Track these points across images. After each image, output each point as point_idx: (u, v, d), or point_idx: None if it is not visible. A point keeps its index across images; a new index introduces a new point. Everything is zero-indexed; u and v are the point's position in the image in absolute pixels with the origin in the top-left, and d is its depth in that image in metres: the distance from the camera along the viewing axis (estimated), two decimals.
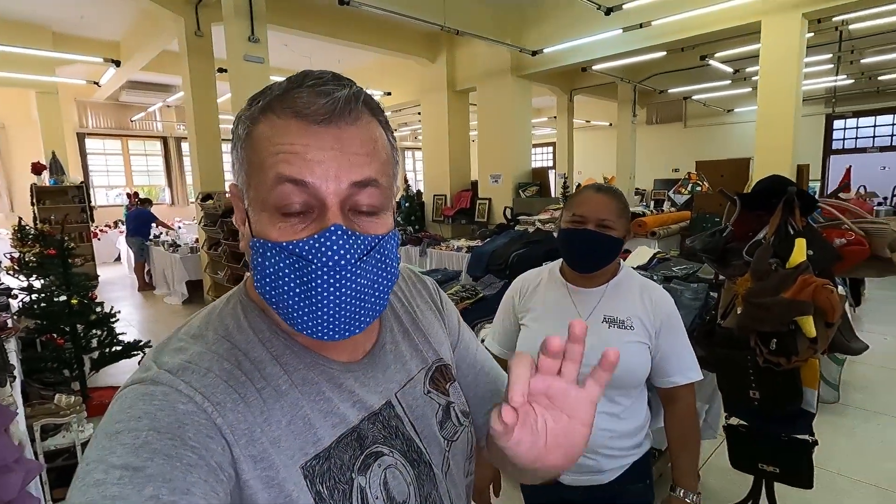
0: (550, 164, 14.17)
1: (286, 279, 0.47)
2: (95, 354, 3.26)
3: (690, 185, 5.58)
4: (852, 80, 8.72)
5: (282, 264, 0.47)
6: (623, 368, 1.14)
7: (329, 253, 0.45)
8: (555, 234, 4.52)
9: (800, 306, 1.43)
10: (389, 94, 9.11)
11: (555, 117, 10.26)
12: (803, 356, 1.48)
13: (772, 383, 1.58)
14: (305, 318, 0.48)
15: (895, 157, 9.68)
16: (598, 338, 1.16)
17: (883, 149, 9.89)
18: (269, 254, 0.47)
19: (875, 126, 9.95)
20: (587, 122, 12.52)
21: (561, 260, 1.28)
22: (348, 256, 0.46)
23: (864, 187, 7.68)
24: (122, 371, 3.87)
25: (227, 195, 5.75)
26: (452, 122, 7.88)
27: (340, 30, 6.54)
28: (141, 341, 3.37)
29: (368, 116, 0.50)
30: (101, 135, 10.74)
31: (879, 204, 7.70)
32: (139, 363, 0.51)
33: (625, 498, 1.22)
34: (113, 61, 6.64)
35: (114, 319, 3.36)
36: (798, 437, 1.67)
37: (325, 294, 0.47)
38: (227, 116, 6.47)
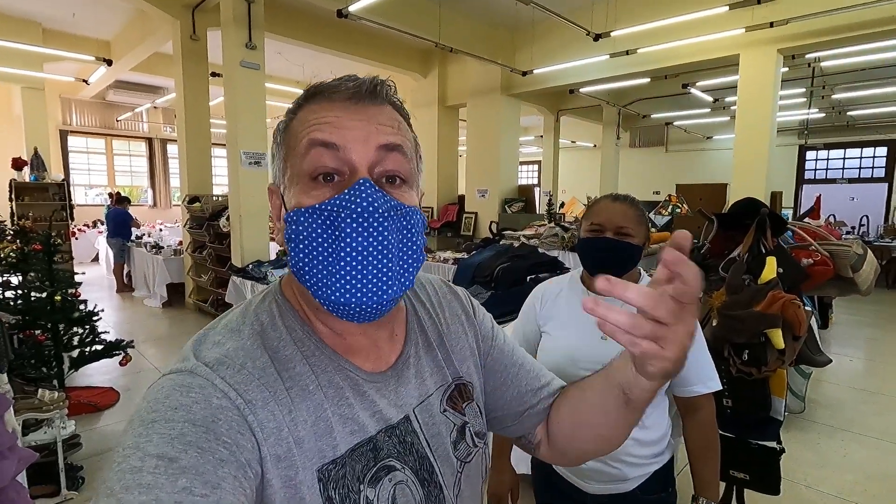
0: (536, 181, 14.41)
1: (318, 241, 0.49)
2: (75, 353, 3.21)
3: (671, 207, 5.77)
4: (823, 114, 9.16)
5: (314, 225, 0.49)
6: None
7: (358, 200, 0.48)
8: (539, 249, 4.63)
9: (769, 319, 1.53)
10: None
11: (541, 136, 10.49)
12: (772, 366, 1.58)
13: (743, 392, 1.68)
14: (334, 279, 0.48)
15: (864, 188, 10.14)
16: (621, 347, 1.17)
17: (852, 180, 10.35)
18: (301, 219, 0.49)
19: (844, 158, 10.42)
20: (572, 142, 12.81)
21: (581, 269, 1.29)
22: (376, 206, 0.48)
23: (834, 216, 8.02)
24: (100, 371, 3.82)
25: (214, 198, 5.74)
26: (442, 136, 8.02)
27: (336, 41, 6.65)
28: (123, 341, 3.33)
29: (391, 108, 0.55)
30: (85, 133, 10.59)
31: (848, 233, 8.04)
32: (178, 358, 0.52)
33: None
34: (105, 60, 6.61)
35: (96, 318, 3.33)
36: (767, 445, 1.76)
37: (355, 245, 0.48)
38: (218, 121, 6.47)
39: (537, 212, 7.67)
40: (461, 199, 8.17)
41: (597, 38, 5.09)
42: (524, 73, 6.52)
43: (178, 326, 5.44)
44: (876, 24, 4.43)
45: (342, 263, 0.48)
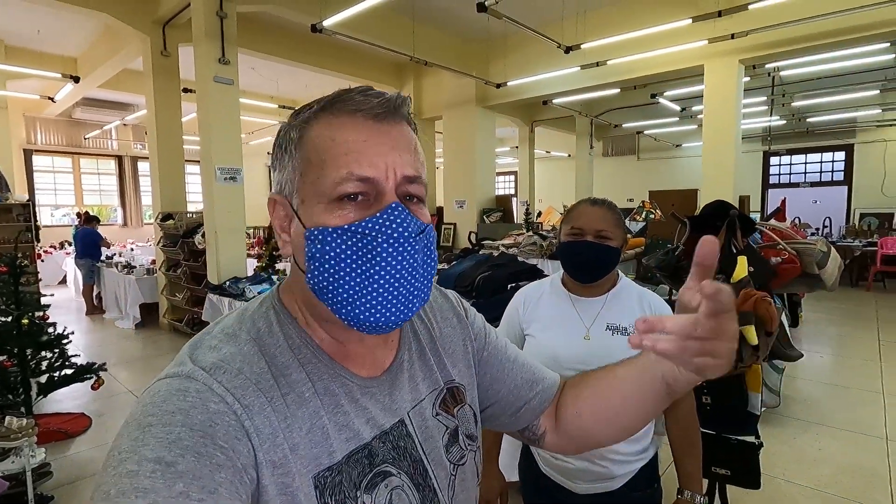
0: (513, 191, 14.58)
1: (348, 262, 0.49)
2: (44, 378, 3.09)
3: (645, 213, 5.91)
4: (784, 121, 9.56)
5: (343, 247, 0.49)
6: None
7: (393, 226, 0.49)
8: (519, 258, 4.68)
9: (743, 316, 1.58)
10: None
11: (517, 147, 10.66)
12: (748, 362, 1.63)
13: (721, 388, 1.72)
14: (365, 300, 0.49)
15: (825, 191, 10.57)
16: (603, 345, 1.20)
17: (814, 184, 10.78)
18: (329, 239, 0.49)
19: (806, 163, 10.86)
20: (547, 152, 13.03)
21: (562, 272, 1.32)
22: (409, 230, 0.50)
23: (799, 219, 8.35)
24: (70, 397, 3.67)
25: (188, 215, 5.63)
26: None
27: (310, 56, 6.66)
28: (94, 364, 3.21)
29: (407, 125, 0.55)
30: (51, 152, 10.29)
31: (812, 234, 8.36)
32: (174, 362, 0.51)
33: (634, 503, 1.24)
34: (72, 77, 6.46)
35: (66, 341, 3.21)
36: (746, 440, 1.81)
37: (389, 269, 0.49)
38: (191, 137, 6.38)
39: (515, 221, 7.76)
40: (440, 210, 8.21)
41: (567, 50, 5.22)
42: (498, 86, 6.63)
43: (152, 347, 5.29)
44: (830, 35, 4.67)
45: (375, 285, 0.49)
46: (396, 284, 0.50)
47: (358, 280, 0.49)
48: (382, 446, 0.56)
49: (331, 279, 0.50)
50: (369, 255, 0.49)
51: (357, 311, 0.50)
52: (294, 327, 0.55)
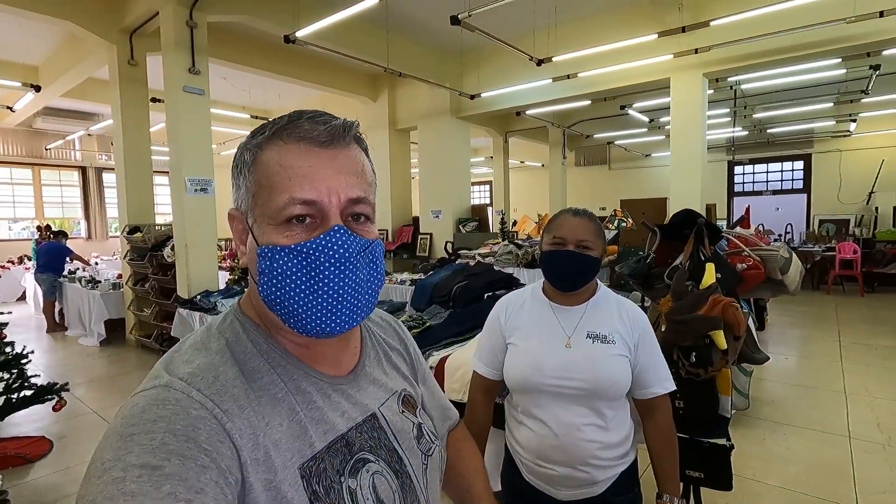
0: (488, 201, 14.71)
1: (293, 277, 0.53)
2: (0, 401, 2.94)
3: (616, 221, 6.04)
4: (747, 132, 9.95)
5: (290, 264, 0.53)
6: (609, 381, 1.20)
7: (335, 247, 0.53)
8: (495, 268, 4.71)
9: (712, 322, 1.63)
10: None
11: (492, 157, 10.77)
12: (717, 367, 1.68)
13: (693, 393, 1.77)
14: (310, 312, 0.53)
15: (786, 199, 11.02)
16: (584, 352, 1.22)
17: (775, 192, 11.23)
18: (277, 257, 0.53)
19: (768, 172, 11.32)
20: (521, 162, 13.22)
21: (543, 280, 1.34)
22: (350, 250, 0.54)
23: (762, 225, 8.66)
24: (30, 419, 3.50)
25: (157, 227, 5.48)
26: (394, 159, 8.07)
27: (283, 66, 6.61)
28: (56, 384, 3.07)
29: (356, 145, 0.59)
30: (9, 163, 9.89)
31: (775, 240, 8.67)
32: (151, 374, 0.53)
33: None
34: (33, 86, 6.24)
35: (26, 361, 3.06)
36: (717, 442, 1.85)
37: (332, 285, 0.53)
38: (160, 147, 6.22)
39: (491, 230, 7.82)
40: (415, 220, 8.21)
41: (539, 62, 5.33)
42: (472, 97, 6.71)
43: (118, 365, 5.09)
44: (788, 51, 4.91)
45: (319, 298, 0.53)
46: (339, 297, 0.54)
47: (304, 294, 0.53)
48: (359, 436, 0.59)
49: (279, 292, 0.54)
50: (314, 273, 0.53)
51: (304, 320, 0.54)
52: (260, 334, 0.58)
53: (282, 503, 0.50)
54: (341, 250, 0.54)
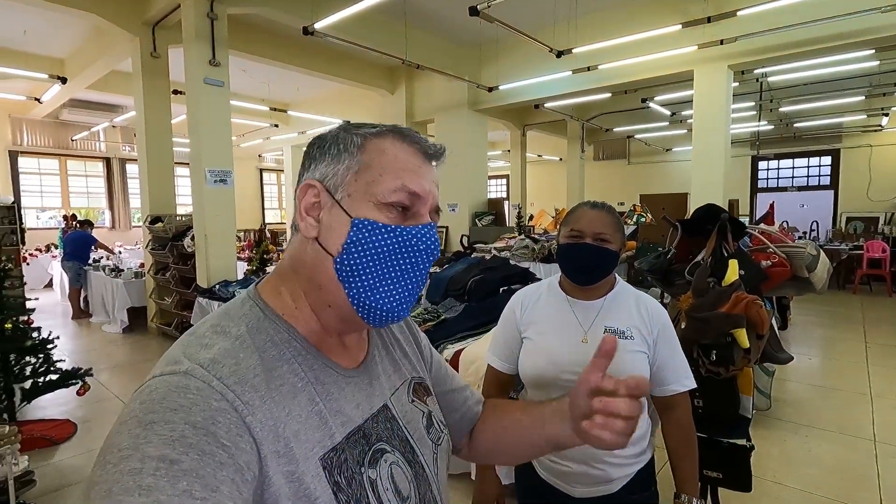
0: (505, 195, 14.63)
1: (386, 255, 0.57)
2: (28, 384, 3.03)
3: (636, 217, 5.94)
4: (772, 126, 9.68)
5: (387, 242, 0.56)
6: (625, 377, 1.19)
7: (430, 239, 0.59)
8: (511, 262, 4.68)
9: (734, 319, 1.59)
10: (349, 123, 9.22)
11: (509, 151, 10.69)
12: (739, 366, 1.64)
13: (713, 392, 1.73)
14: (387, 292, 0.57)
15: (812, 195, 10.71)
16: None
17: (801, 188, 10.93)
18: (376, 231, 0.56)
19: (794, 168, 11.01)
20: (539, 156, 13.09)
21: (560, 274, 1.31)
22: (436, 246, 0.60)
23: (787, 222, 8.44)
24: (55, 403, 3.61)
25: (178, 218, 5.56)
26: None
27: (302, 58, 6.63)
28: (80, 369, 3.16)
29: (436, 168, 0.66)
30: (38, 153, 10.15)
31: (800, 238, 8.46)
32: (165, 360, 0.52)
33: None
34: (59, 78, 6.38)
35: (51, 346, 3.15)
36: (737, 442, 1.81)
37: (416, 272, 0.58)
38: (181, 139, 6.31)
39: (507, 224, 7.77)
40: None
41: (559, 54, 5.25)
42: (490, 89, 6.65)
43: (139, 352, 5.21)
44: (816, 42, 4.74)
45: (399, 282, 0.57)
46: (411, 286, 0.58)
47: (387, 273, 0.56)
48: (374, 427, 0.60)
49: (364, 265, 0.56)
50: (408, 256, 0.57)
51: (374, 300, 0.56)
52: (280, 322, 0.58)
53: (305, 494, 0.49)
54: (433, 243, 0.59)
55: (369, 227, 0.56)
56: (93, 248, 7.17)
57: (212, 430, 0.44)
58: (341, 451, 0.54)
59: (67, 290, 7.18)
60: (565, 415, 0.68)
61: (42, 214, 10.72)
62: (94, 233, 7.70)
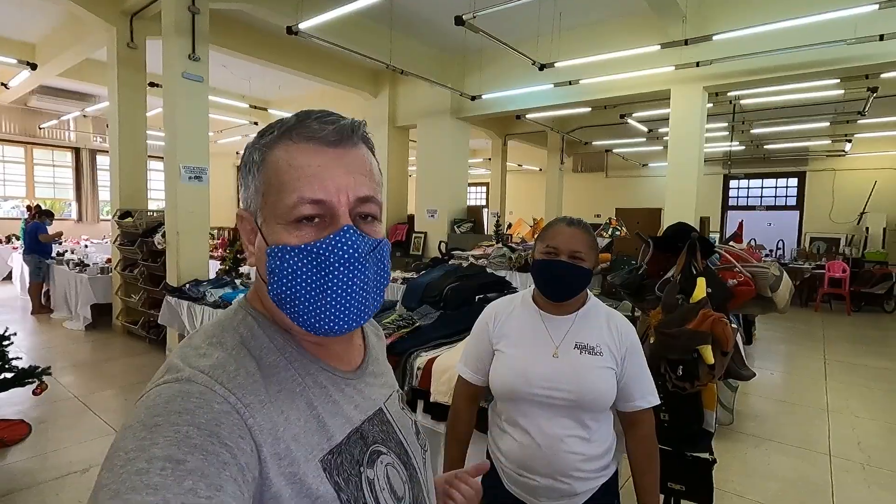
0: (484, 202, 14.71)
1: (303, 277, 0.53)
2: None
3: (611, 230, 6.05)
4: (744, 147, 10.02)
5: (300, 264, 0.53)
6: (594, 393, 1.20)
7: (345, 247, 0.54)
8: (487, 269, 4.70)
9: (701, 336, 1.63)
10: None
11: (489, 159, 10.77)
12: (703, 381, 1.68)
13: (679, 406, 1.77)
14: (319, 311, 0.54)
15: (779, 215, 11.12)
16: (571, 363, 1.21)
17: (769, 207, 11.34)
18: (286, 256, 0.54)
19: (762, 187, 11.41)
20: (519, 165, 13.23)
21: (533, 288, 1.33)
22: (360, 250, 0.55)
23: (755, 240, 8.73)
24: (9, 402, 3.45)
25: (149, 213, 5.42)
26: (392, 156, 8.04)
27: (285, 57, 6.56)
28: (38, 367, 3.03)
29: (363, 145, 0.60)
30: (2, 140, 9.75)
31: (767, 255, 8.76)
32: (165, 365, 0.53)
33: None
34: (28, 64, 6.15)
35: (7, 342, 3.02)
36: (700, 456, 1.86)
37: (341, 285, 0.54)
38: (155, 133, 6.16)
39: (486, 232, 7.81)
40: (410, 218, 8.19)
41: (542, 67, 5.33)
42: (473, 98, 6.70)
43: (102, 351, 5.03)
44: (786, 69, 4.94)
45: (329, 298, 0.54)
46: (347, 297, 0.55)
47: (313, 294, 0.54)
48: (371, 429, 0.61)
49: (289, 292, 0.54)
50: (323, 273, 0.53)
51: (312, 319, 0.54)
52: (275, 329, 0.59)
53: (307, 494, 0.50)
54: (350, 250, 0.54)
55: (280, 254, 0.54)
56: (38, 237, 6.61)
57: (215, 431, 0.45)
58: (339, 453, 0.55)
59: (28, 284, 6.89)
60: (441, 487, 0.79)
61: (4, 204, 10.30)
62: (61, 225, 7.39)
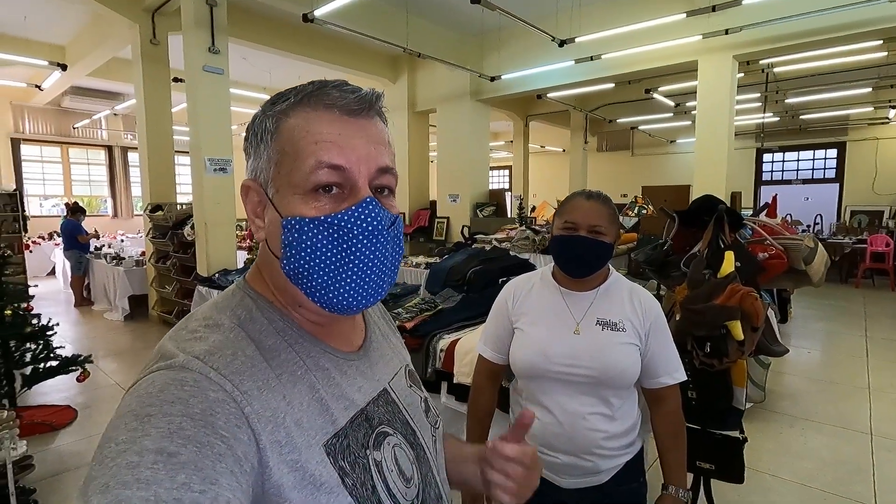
0: (507, 186, 14.57)
1: (323, 251, 0.51)
2: (28, 370, 3.05)
3: (637, 209, 5.91)
4: (778, 118, 9.59)
5: (319, 237, 0.51)
6: (616, 369, 1.17)
7: (368, 219, 0.52)
8: (511, 252, 4.67)
9: (729, 311, 1.58)
10: None
11: (511, 141, 10.63)
12: (733, 357, 1.63)
13: (706, 384, 1.73)
14: (338, 287, 0.52)
15: (817, 189, 10.63)
16: (593, 339, 1.19)
17: (805, 181, 10.84)
18: (305, 229, 0.51)
19: (798, 160, 10.91)
20: (542, 147, 13.02)
21: (552, 264, 1.30)
22: (382, 223, 0.53)
23: (790, 215, 8.39)
24: (56, 389, 3.64)
25: (178, 206, 5.57)
26: (412, 142, 8.02)
27: (303, 46, 6.58)
28: (80, 356, 3.18)
29: (380, 120, 0.58)
30: (40, 141, 10.15)
31: (804, 231, 8.40)
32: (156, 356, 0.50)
33: (620, 497, 1.23)
34: (59, 65, 6.35)
35: (51, 332, 3.17)
36: (730, 434, 1.82)
37: (363, 258, 0.52)
38: (181, 127, 6.29)
39: (508, 216, 7.74)
40: (433, 204, 8.18)
41: (562, 43, 5.19)
42: (492, 79, 6.59)
43: (140, 340, 5.25)
44: (823, 32, 4.67)
45: (349, 272, 0.52)
46: (367, 272, 0.53)
47: (332, 268, 0.52)
48: (376, 410, 0.60)
49: (306, 266, 0.52)
50: (344, 246, 0.51)
51: (330, 295, 0.52)
52: (274, 310, 0.57)
53: (311, 481, 0.49)
54: (374, 223, 0.52)
55: (297, 226, 0.51)
56: (77, 238, 6.91)
57: (210, 421, 0.43)
58: (344, 437, 0.53)
59: (69, 278, 7.21)
60: (478, 464, 0.71)
61: (45, 202, 10.74)
62: (96, 221, 7.68)
